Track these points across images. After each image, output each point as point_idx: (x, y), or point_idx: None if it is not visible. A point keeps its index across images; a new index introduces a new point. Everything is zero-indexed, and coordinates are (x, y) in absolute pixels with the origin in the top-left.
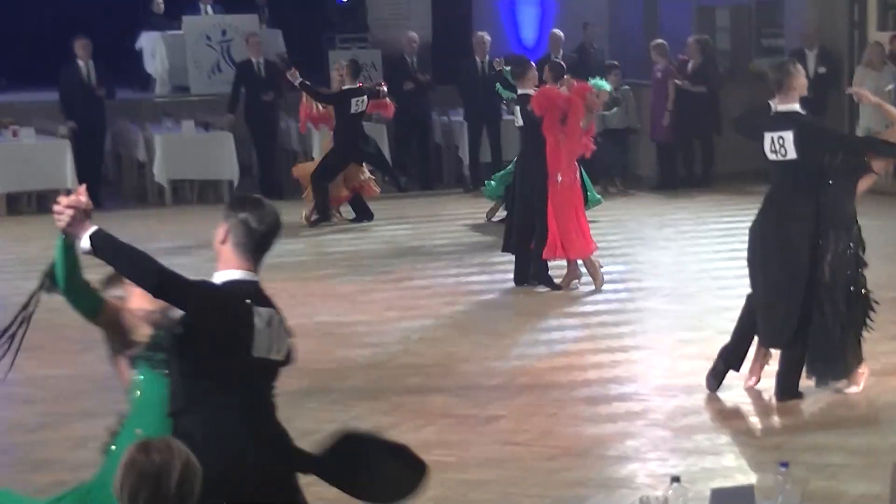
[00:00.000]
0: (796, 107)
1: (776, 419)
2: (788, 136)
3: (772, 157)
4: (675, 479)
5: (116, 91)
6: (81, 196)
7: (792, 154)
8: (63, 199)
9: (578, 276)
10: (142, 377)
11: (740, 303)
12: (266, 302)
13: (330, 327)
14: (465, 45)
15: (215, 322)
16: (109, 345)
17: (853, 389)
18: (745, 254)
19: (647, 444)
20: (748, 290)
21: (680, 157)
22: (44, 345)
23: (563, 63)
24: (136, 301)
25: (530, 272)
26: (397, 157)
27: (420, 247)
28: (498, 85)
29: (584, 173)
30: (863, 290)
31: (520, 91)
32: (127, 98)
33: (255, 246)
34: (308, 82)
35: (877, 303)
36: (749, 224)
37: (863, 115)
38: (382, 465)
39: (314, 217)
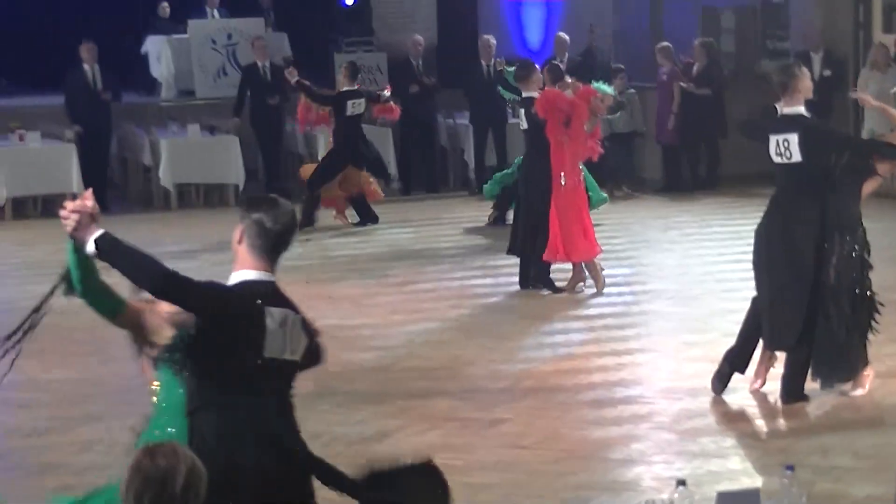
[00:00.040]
0: (801, 109)
1: (782, 422)
2: (793, 138)
3: (777, 159)
4: (681, 482)
5: (122, 95)
6: (87, 200)
7: (797, 157)
8: (69, 204)
9: (583, 278)
10: (163, 378)
11: (745, 305)
12: (282, 302)
13: (334, 330)
14: (470, 49)
15: (220, 322)
16: (134, 345)
17: (858, 392)
18: (750, 256)
19: (653, 447)
20: (753, 293)
21: (685, 159)
22: (48, 348)
23: (561, 65)
24: (165, 303)
25: (532, 275)
26: (402, 161)
27: (425, 250)
28: (499, 86)
29: (587, 174)
30: (868, 293)
31: (524, 94)
32: (132, 102)
33: (271, 246)
34: (307, 82)
35: (882, 305)
36: (754, 227)
37: (867, 117)
38: (410, 487)
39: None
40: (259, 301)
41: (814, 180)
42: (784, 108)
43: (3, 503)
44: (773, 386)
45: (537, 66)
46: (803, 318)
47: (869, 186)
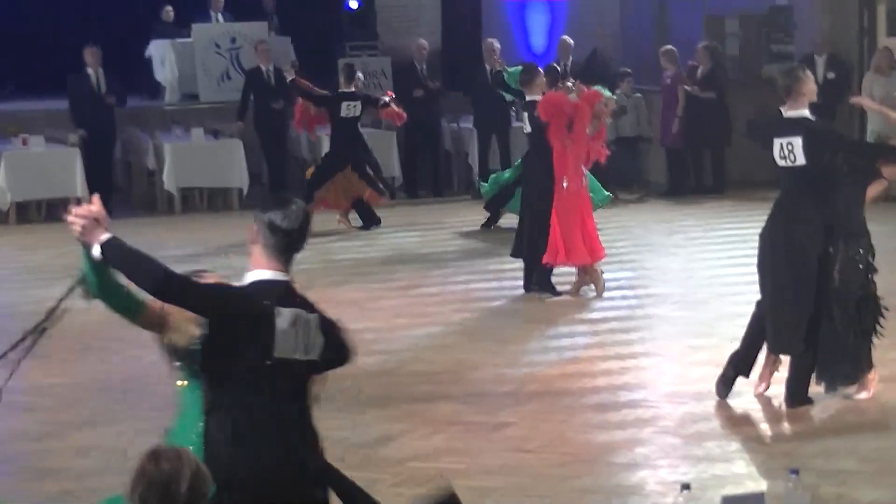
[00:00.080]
0: (806, 113)
1: (786, 426)
2: (797, 141)
3: (781, 162)
4: (686, 486)
5: (127, 100)
6: (94, 205)
7: (801, 160)
8: (75, 209)
9: (587, 282)
10: (185, 380)
11: (750, 309)
12: (295, 302)
13: None
14: (474, 53)
15: (226, 323)
16: (161, 346)
17: (863, 395)
18: (754, 260)
19: (658, 451)
20: (758, 297)
21: (689, 163)
22: (48, 353)
23: (560, 68)
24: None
25: (533, 279)
26: (407, 164)
27: (429, 254)
28: (499, 88)
29: (590, 176)
30: (873, 296)
31: (528, 97)
32: (136, 106)
33: (284, 246)
34: (304, 81)
35: (887, 309)
36: (759, 230)
37: (871, 120)
38: None
39: None
40: (268, 301)
41: (818, 183)
42: (788, 112)
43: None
44: (778, 390)
45: (541, 69)
46: (807, 321)
47: (874, 190)
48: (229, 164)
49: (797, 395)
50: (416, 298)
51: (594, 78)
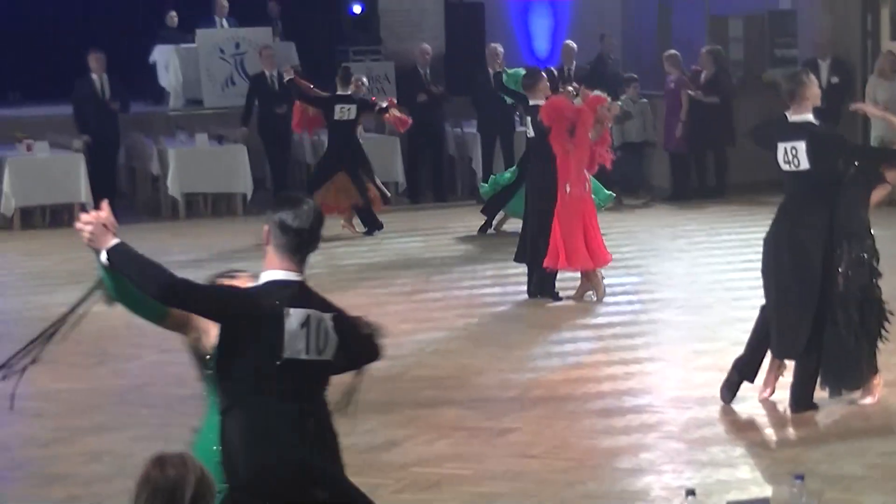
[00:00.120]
0: (809, 117)
1: (791, 431)
2: (801, 146)
3: (785, 167)
4: (690, 491)
5: (130, 105)
6: (102, 212)
7: (805, 164)
8: (83, 216)
9: (590, 287)
10: (209, 381)
11: (754, 314)
12: (308, 302)
13: None
14: (478, 57)
15: (232, 324)
16: (187, 348)
17: (868, 400)
18: (758, 265)
19: (662, 456)
20: (762, 301)
21: (693, 167)
22: (57, 358)
23: (555, 72)
24: None
25: (535, 283)
26: (411, 169)
27: (433, 259)
28: (500, 92)
29: (592, 179)
30: (877, 301)
31: (531, 102)
32: (140, 111)
33: (295, 245)
34: (303, 81)
35: (892, 313)
36: (763, 235)
37: (875, 125)
38: None
39: None
40: (277, 302)
41: (822, 188)
42: (792, 116)
43: None
44: (783, 395)
45: (544, 73)
46: (811, 325)
47: (878, 194)
48: (233, 169)
49: (802, 400)
50: (420, 304)
51: (601, 83)
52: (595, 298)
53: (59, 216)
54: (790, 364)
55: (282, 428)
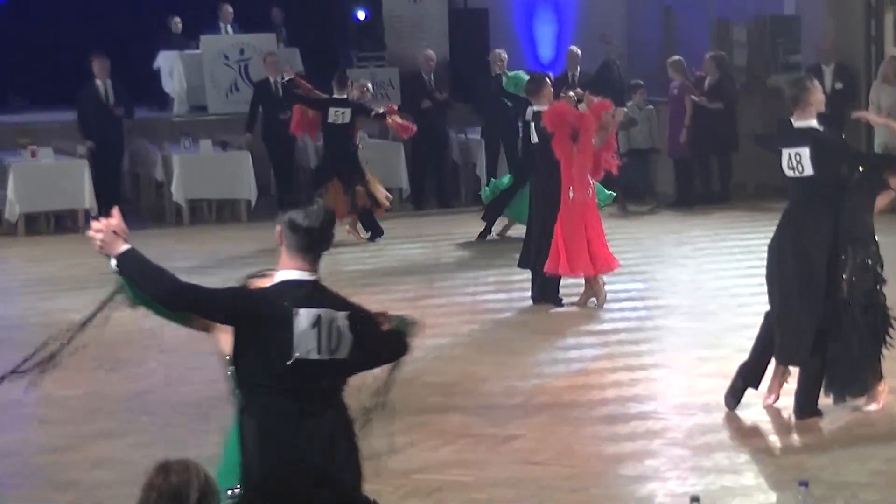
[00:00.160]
0: (813, 123)
1: (795, 437)
2: (805, 152)
3: (789, 173)
4: (695, 498)
5: (135, 111)
6: (112, 219)
7: (809, 170)
8: (94, 223)
9: (593, 294)
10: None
11: (759, 320)
12: (321, 301)
13: None
14: (482, 63)
15: (241, 325)
16: (218, 349)
17: (873, 407)
18: (763, 271)
19: (667, 462)
20: (766, 308)
21: (697, 173)
22: (64, 364)
23: (550, 77)
24: None
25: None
26: (414, 176)
27: (437, 265)
28: (502, 96)
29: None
30: (882, 307)
31: (535, 107)
32: (145, 117)
33: (306, 245)
34: (303, 81)
35: None
36: (767, 241)
37: (879, 131)
38: None
39: None
40: (286, 302)
41: (826, 194)
42: (796, 122)
43: None
44: (787, 401)
45: (547, 79)
46: (815, 332)
47: (882, 200)
48: (237, 175)
49: (806, 406)
50: (424, 310)
51: (607, 88)
52: (597, 304)
53: (64, 222)
54: (794, 370)
55: (290, 429)
